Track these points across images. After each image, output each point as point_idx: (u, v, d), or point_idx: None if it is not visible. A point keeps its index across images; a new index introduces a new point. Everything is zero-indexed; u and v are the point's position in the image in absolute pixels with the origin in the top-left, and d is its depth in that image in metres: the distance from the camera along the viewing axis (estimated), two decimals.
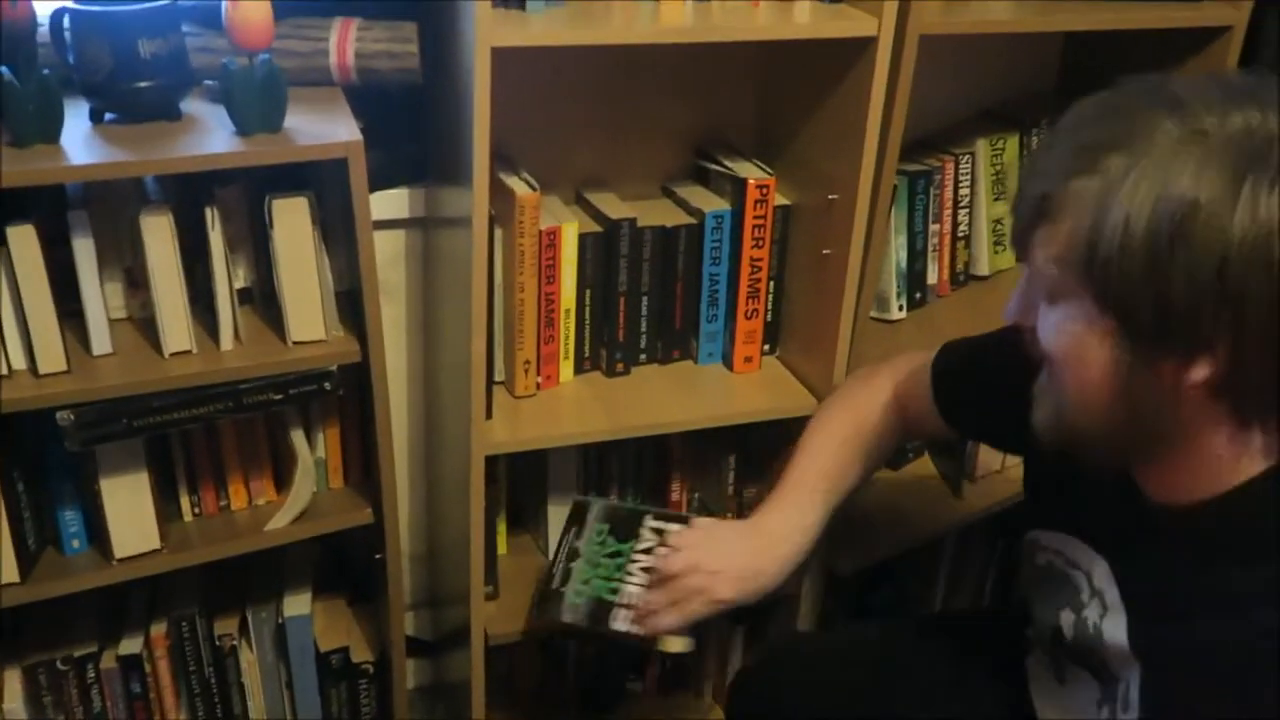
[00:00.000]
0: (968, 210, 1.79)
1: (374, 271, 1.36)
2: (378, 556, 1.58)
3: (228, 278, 1.36)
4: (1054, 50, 1.89)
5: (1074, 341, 0.88)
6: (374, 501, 1.55)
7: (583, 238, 1.50)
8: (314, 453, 1.53)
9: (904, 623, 1.62)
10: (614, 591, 1.38)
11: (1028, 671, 1.19)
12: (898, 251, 1.71)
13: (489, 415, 1.46)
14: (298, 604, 1.66)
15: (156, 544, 1.44)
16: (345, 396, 1.49)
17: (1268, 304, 0.79)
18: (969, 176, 1.77)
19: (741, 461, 1.70)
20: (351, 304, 1.43)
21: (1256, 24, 1.63)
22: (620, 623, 1.33)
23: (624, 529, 1.47)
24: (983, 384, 1.22)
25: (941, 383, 1.27)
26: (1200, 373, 0.83)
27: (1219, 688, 0.88)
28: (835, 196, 1.47)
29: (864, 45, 1.37)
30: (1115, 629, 0.99)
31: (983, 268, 1.84)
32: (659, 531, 1.44)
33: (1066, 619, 1.06)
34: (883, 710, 1.27)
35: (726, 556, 1.25)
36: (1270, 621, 0.86)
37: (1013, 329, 1.17)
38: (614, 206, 1.56)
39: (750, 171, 1.54)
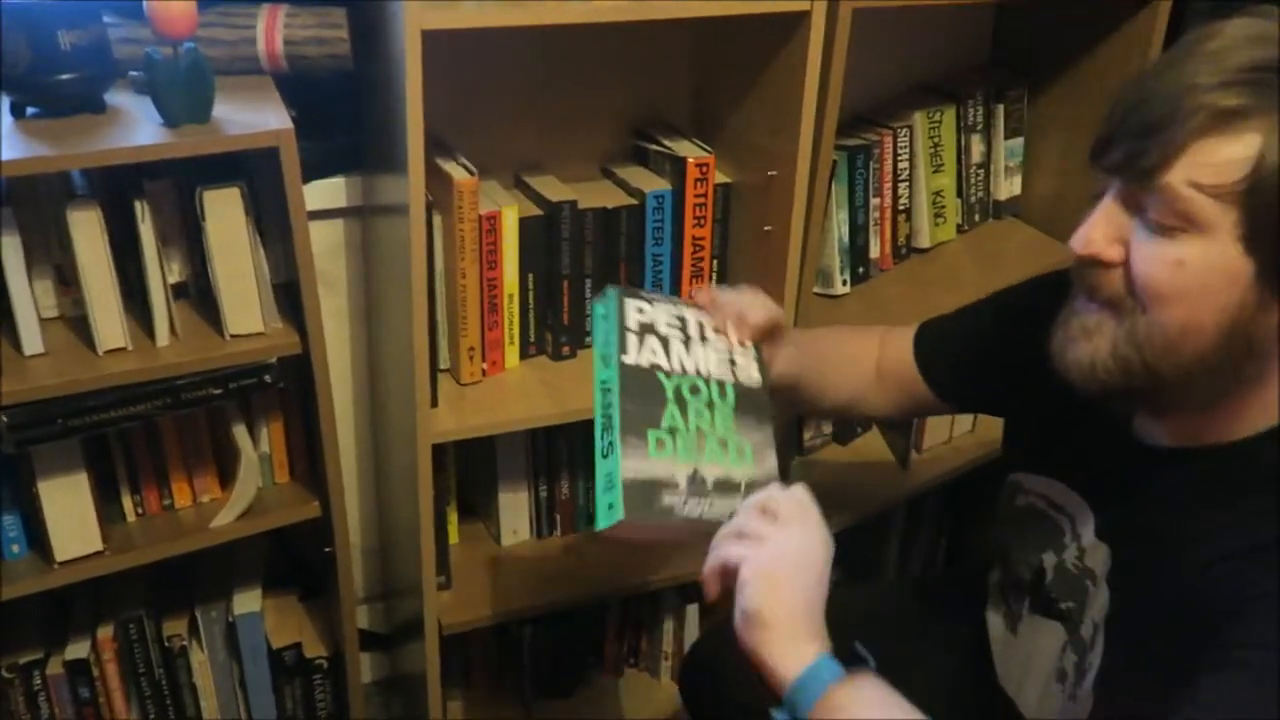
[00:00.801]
0: (907, 184, 1.80)
1: (310, 262, 1.34)
2: (327, 550, 1.57)
3: (161, 272, 1.33)
4: (986, 22, 1.91)
5: (1193, 278, 0.83)
6: (321, 495, 1.53)
7: (523, 222, 1.49)
8: (258, 447, 1.51)
9: (856, 589, 1.63)
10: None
11: (987, 624, 1.20)
12: (839, 226, 1.72)
13: (435, 403, 1.45)
14: (247, 601, 1.64)
15: (99, 546, 1.41)
16: (287, 389, 1.47)
17: None
18: (907, 150, 1.77)
19: None
20: (290, 296, 1.41)
21: None
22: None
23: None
24: (966, 340, 1.23)
25: (923, 341, 1.27)
26: None
27: (1188, 630, 0.88)
28: (775, 173, 1.47)
29: (797, 20, 1.37)
30: (1096, 567, 0.99)
31: (924, 240, 1.86)
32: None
33: (1049, 560, 1.06)
34: None
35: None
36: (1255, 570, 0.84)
37: (994, 298, 1.17)
38: (554, 189, 1.55)
39: (689, 150, 1.54)
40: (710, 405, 1.06)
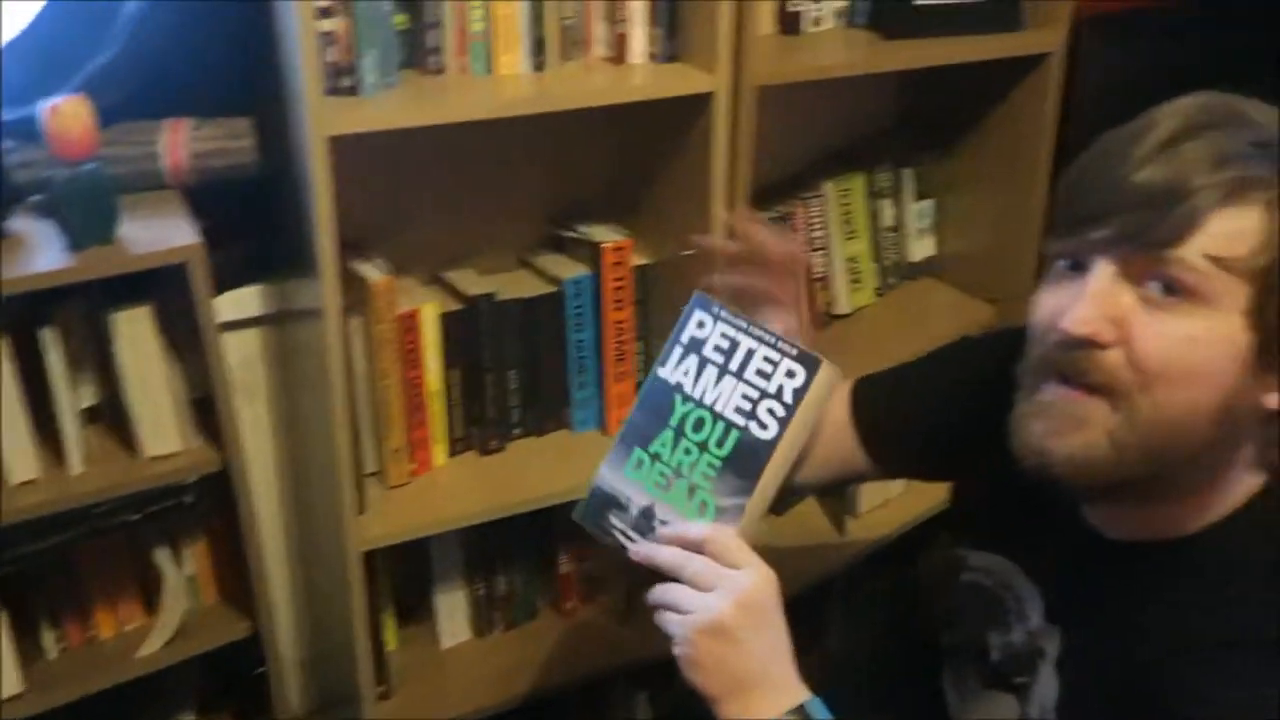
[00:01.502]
0: (824, 251, 1.82)
1: (224, 377, 1.31)
2: (260, 670, 1.51)
3: (71, 399, 1.30)
4: (889, 88, 1.95)
5: (1203, 355, 0.81)
6: (251, 613, 1.48)
7: (443, 318, 1.48)
8: (182, 569, 1.47)
9: (807, 659, 1.61)
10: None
11: (944, 692, 1.17)
12: None
13: (362, 509, 1.41)
14: None
15: (19, 688, 1.35)
16: (210, 506, 1.43)
17: None
18: (821, 218, 1.80)
19: None
20: (208, 410, 1.38)
21: (1074, 49, 1.71)
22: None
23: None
24: (909, 408, 1.16)
25: (862, 406, 1.17)
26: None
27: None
28: (691, 251, 1.48)
29: (703, 101, 1.38)
30: (1047, 648, 0.97)
31: (843, 306, 1.87)
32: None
33: (997, 639, 1.03)
34: None
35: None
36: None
37: (934, 362, 1.14)
38: (472, 282, 1.54)
39: (605, 235, 1.54)
40: (703, 447, 1.01)
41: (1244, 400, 0.82)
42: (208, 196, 1.40)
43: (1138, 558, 0.90)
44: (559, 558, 1.70)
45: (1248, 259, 0.79)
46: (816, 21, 1.66)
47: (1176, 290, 0.80)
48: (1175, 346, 0.81)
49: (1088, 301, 0.82)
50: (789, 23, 1.63)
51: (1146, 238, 0.80)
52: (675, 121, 1.44)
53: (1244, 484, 0.87)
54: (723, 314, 1.04)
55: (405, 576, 1.65)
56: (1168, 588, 0.88)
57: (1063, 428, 0.85)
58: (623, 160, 1.61)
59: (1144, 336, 0.81)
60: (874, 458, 1.18)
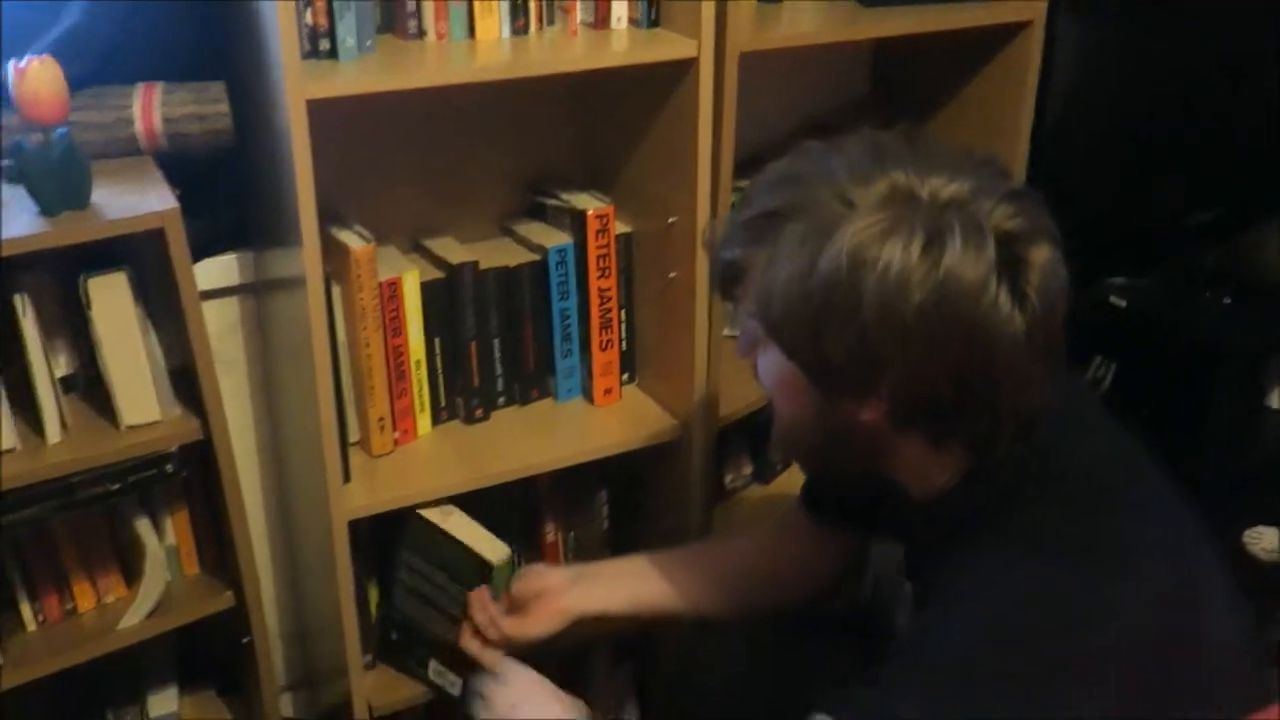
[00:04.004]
0: None
1: (206, 344, 1.30)
2: (245, 641, 1.50)
3: (47, 367, 1.28)
4: (865, 57, 1.94)
5: (778, 381, 1.01)
6: (234, 584, 1.47)
7: (425, 286, 1.46)
8: (163, 540, 1.45)
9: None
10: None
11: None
12: None
13: (347, 479, 1.40)
14: (163, 703, 1.58)
15: None
16: (190, 477, 1.42)
17: (906, 362, 0.90)
18: None
19: (613, 496, 1.68)
20: (187, 380, 1.36)
21: (1053, 18, 1.71)
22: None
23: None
24: (837, 476, 1.28)
25: (809, 494, 1.37)
26: (872, 412, 0.96)
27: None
28: (675, 219, 1.47)
29: (685, 67, 1.37)
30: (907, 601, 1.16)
31: None
32: None
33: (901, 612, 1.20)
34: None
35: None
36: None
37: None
38: (453, 251, 1.52)
39: (587, 203, 1.53)
40: None
41: (840, 414, 0.98)
42: (182, 163, 1.38)
43: (921, 512, 1.07)
44: (544, 528, 1.70)
45: (759, 315, 0.96)
46: None
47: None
48: (765, 376, 1.03)
49: (740, 336, 1.07)
50: None
51: (720, 291, 1.03)
52: (657, 88, 1.43)
53: (952, 462, 1.01)
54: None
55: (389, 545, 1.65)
56: (928, 525, 1.07)
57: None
58: (603, 128, 1.60)
59: (758, 365, 1.04)
60: (811, 516, 1.37)
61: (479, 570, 1.41)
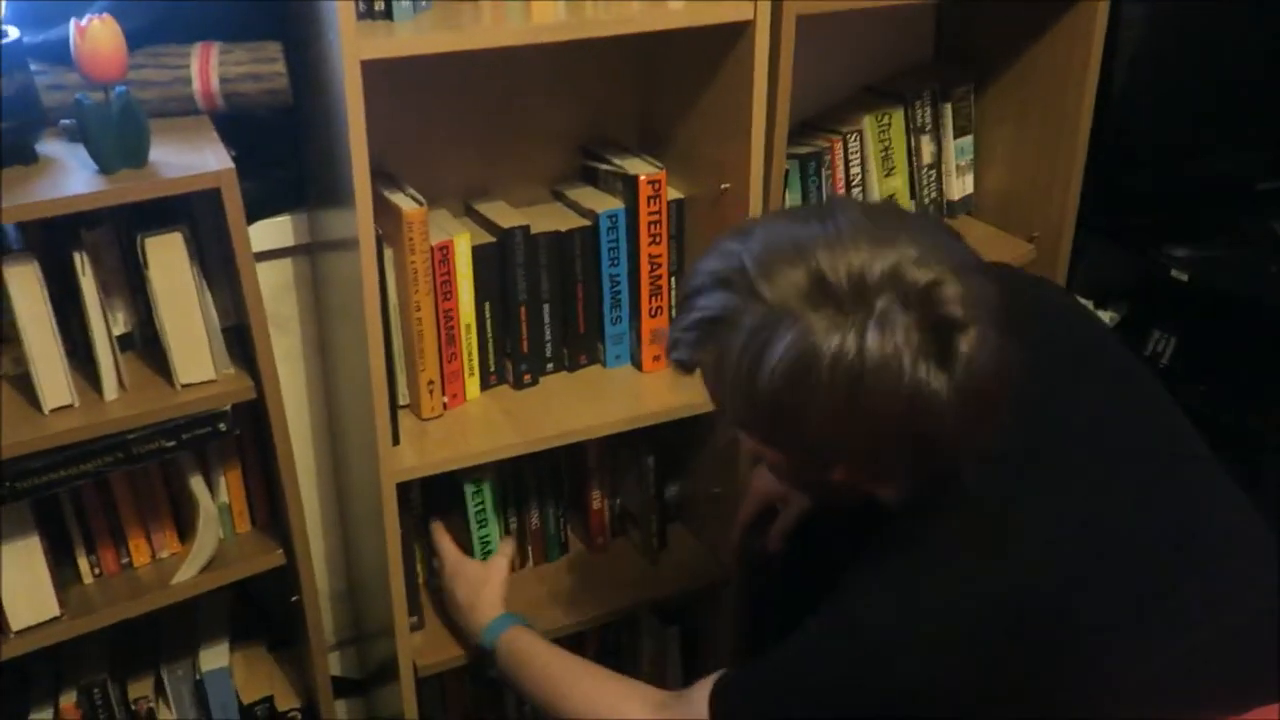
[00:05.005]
0: (860, 188, 1.79)
1: (260, 304, 1.30)
2: (294, 599, 1.52)
3: (105, 324, 1.29)
4: (927, 21, 1.90)
5: (767, 458, 1.07)
6: (284, 542, 1.49)
7: (476, 250, 1.46)
8: (216, 498, 1.47)
9: None
10: None
11: None
12: None
13: (396, 441, 1.41)
14: (214, 657, 1.59)
15: (55, 611, 1.36)
16: (243, 436, 1.43)
17: (852, 446, 0.96)
18: (858, 155, 1.76)
19: (660, 462, 1.68)
20: (241, 339, 1.37)
21: None
22: None
23: None
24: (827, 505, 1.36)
25: None
26: (841, 474, 1.02)
27: None
28: (728, 185, 1.46)
29: (741, 30, 1.35)
30: None
31: None
32: None
33: None
34: None
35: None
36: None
37: None
38: (505, 215, 1.52)
39: (640, 168, 1.52)
40: None
41: (813, 473, 1.05)
42: (238, 123, 1.39)
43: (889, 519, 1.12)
44: (590, 493, 1.70)
45: (716, 406, 1.03)
46: None
47: None
48: (757, 451, 1.07)
49: None
50: None
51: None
52: (712, 51, 1.41)
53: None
54: None
55: (439, 508, 1.66)
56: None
57: None
58: (656, 91, 1.59)
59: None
60: None
61: None
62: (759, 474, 1.53)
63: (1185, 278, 1.87)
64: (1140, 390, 1.16)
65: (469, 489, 1.57)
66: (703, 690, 1.18)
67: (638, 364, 1.60)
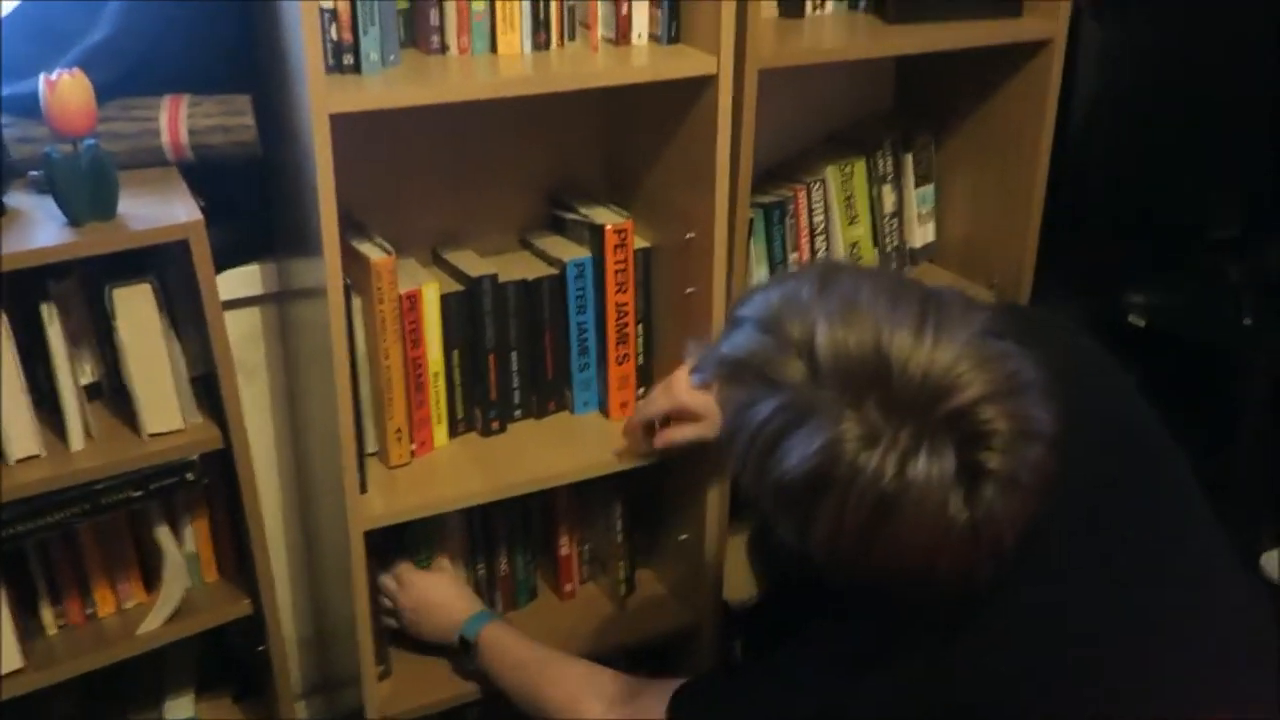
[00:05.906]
0: (824, 236, 1.81)
1: (228, 353, 1.31)
2: (260, 648, 1.52)
3: (72, 374, 1.29)
4: (887, 72, 1.94)
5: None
6: (252, 591, 1.48)
7: (444, 298, 1.48)
8: (183, 547, 1.46)
9: None
10: None
11: None
12: None
13: (364, 489, 1.41)
14: (180, 707, 1.59)
15: (18, 663, 1.35)
16: (211, 485, 1.43)
17: (839, 556, 0.90)
18: (821, 203, 1.79)
19: (628, 508, 1.69)
20: (209, 388, 1.38)
21: (1076, 27, 1.71)
22: None
23: None
24: None
25: None
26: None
27: None
28: (693, 235, 1.48)
29: (705, 84, 1.38)
30: None
31: None
32: None
33: None
34: None
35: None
36: None
37: None
38: (473, 263, 1.54)
39: (606, 217, 1.54)
40: None
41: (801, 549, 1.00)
42: (207, 173, 1.40)
43: None
44: (559, 539, 1.71)
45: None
46: (818, 5, 1.65)
47: None
48: None
49: None
50: (791, 6, 1.63)
51: None
52: (677, 104, 1.44)
53: None
54: None
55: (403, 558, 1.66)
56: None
57: None
58: (623, 141, 1.61)
59: None
60: None
61: None
62: (680, 382, 1.44)
63: (1143, 323, 1.91)
64: (1158, 465, 1.13)
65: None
66: (662, 692, 1.24)
67: (605, 411, 1.61)
